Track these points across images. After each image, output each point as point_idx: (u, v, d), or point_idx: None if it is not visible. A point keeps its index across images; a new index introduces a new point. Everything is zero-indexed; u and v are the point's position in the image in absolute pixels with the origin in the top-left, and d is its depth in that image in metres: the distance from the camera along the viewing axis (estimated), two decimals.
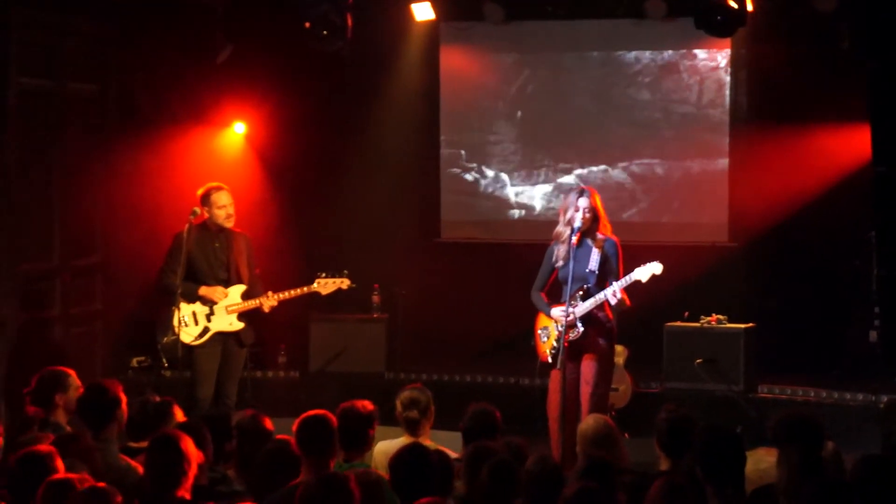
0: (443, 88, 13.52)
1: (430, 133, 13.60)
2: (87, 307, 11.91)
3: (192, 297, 9.56)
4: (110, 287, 12.00)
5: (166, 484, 5.69)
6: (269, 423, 7.09)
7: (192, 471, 5.77)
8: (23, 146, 10.94)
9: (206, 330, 9.55)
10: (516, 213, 13.46)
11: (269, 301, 9.64)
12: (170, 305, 9.46)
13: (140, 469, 6.40)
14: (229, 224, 9.66)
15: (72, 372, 7.64)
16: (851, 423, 10.51)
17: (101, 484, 5.35)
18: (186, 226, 9.49)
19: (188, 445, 5.79)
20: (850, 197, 11.82)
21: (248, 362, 10.34)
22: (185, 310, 9.52)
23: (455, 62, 13.51)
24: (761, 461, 6.43)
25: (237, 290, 9.67)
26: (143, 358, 12.10)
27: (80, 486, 5.35)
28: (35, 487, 5.53)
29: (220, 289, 9.61)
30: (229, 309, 9.62)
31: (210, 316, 9.59)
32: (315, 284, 9.74)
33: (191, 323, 9.54)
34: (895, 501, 5.32)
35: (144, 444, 6.75)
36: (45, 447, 5.96)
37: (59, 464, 5.80)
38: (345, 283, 9.80)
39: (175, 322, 9.38)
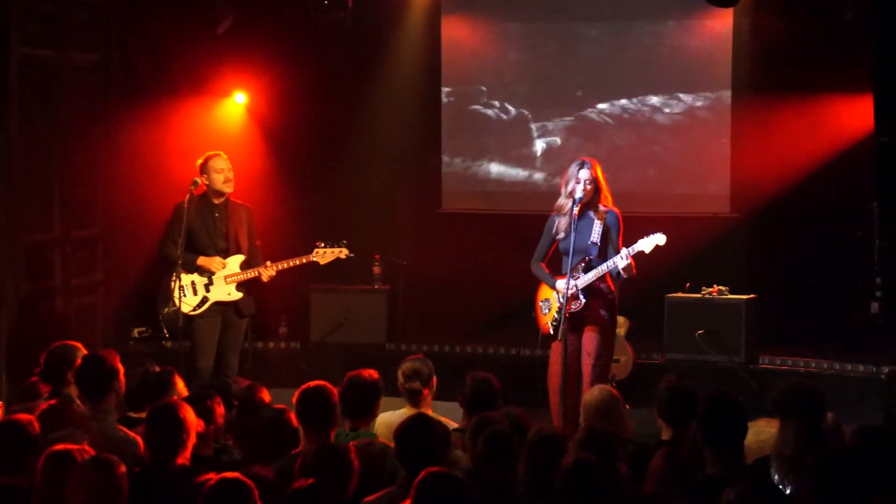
0: (444, 58, 13.48)
1: (431, 103, 13.56)
2: (87, 278, 11.89)
3: (191, 268, 9.55)
4: (111, 258, 11.98)
5: (165, 452, 5.71)
6: (265, 394, 7.11)
7: (192, 439, 5.78)
8: (24, 116, 10.91)
9: (204, 300, 9.55)
10: (517, 183, 13.43)
11: (267, 271, 9.63)
12: (169, 276, 9.47)
13: (139, 440, 6.42)
14: (228, 189, 9.66)
15: (79, 345, 7.65)
16: (852, 395, 10.52)
17: (105, 454, 5.36)
18: (187, 196, 9.49)
19: (188, 414, 5.81)
20: (853, 168, 11.79)
21: (250, 333, 10.34)
22: (184, 280, 9.52)
23: (456, 32, 13.47)
24: (762, 432, 6.45)
25: (236, 261, 9.66)
26: (143, 329, 12.12)
27: (80, 457, 5.35)
28: (13, 457, 5.55)
29: (217, 259, 9.60)
30: (228, 279, 9.61)
31: (209, 286, 9.59)
32: (313, 254, 9.73)
33: (189, 293, 9.53)
34: (894, 472, 5.32)
35: (145, 414, 6.77)
36: (25, 416, 5.96)
37: (37, 431, 5.79)
38: (343, 252, 9.79)
39: (175, 293, 9.38)
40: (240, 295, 9.67)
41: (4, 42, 10.67)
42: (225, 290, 9.62)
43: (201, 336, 9.56)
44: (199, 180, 9.56)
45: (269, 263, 9.65)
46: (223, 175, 9.63)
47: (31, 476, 5.53)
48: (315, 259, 9.75)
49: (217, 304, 9.60)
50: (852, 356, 11.15)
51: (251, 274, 9.64)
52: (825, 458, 5.09)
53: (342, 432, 6.63)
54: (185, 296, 9.49)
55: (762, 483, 5.60)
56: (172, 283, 9.43)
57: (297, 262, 9.72)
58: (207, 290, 9.58)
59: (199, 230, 9.60)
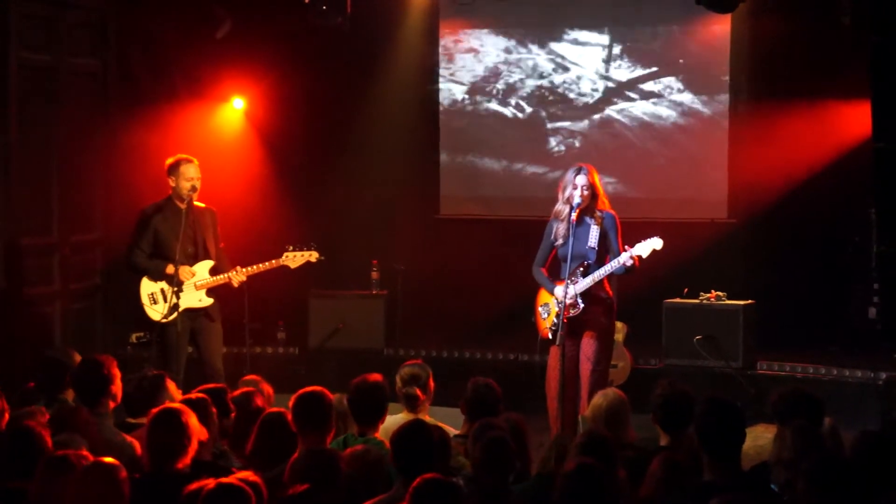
0: (442, 63, 13.50)
1: (429, 109, 13.57)
2: (86, 283, 11.92)
3: (160, 276, 9.52)
4: (110, 262, 11.98)
5: (167, 457, 5.70)
6: (266, 389, 7.14)
7: (193, 445, 5.77)
8: (23, 120, 10.93)
9: (175, 307, 9.42)
10: (514, 188, 13.43)
11: (237, 276, 9.56)
12: (138, 283, 9.54)
13: (136, 444, 6.41)
14: (194, 197, 9.56)
15: (71, 350, 7.66)
16: (850, 400, 10.52)
17: (107, 459, 5.35)
18: (185, 203, 9.46)
19: (190, 420, 5.79)
20: (850, 173, 11.80)
21: (249, 338, 10.34)
22: (154, 287, 9.50)
23: (454, 37, 13.48)
24: (760, 437, 6.44)
25: (205, 266, 9.60)
26: (141, 334, 12.08)
27: (77, 462, 5.35)
28: (25, 462, 5.55)
29: (187, 268, 9.52)
30: (198, 285, 9.57)
31: (178, 293, 9.46)
32: (283, 258, 9.67)
33: (160, 300, 9.47)
34: (893, 478, 5.33)
35: (143, 419, 6.77)
36: (36, 423, 5.97)
37: (48, 439, 5.80)
38: (313, 255, 9.73)
39: (163, 298, 9.40)
40: (210, 301, 9.59)
41: (3, 47, 10.71)
42: (196, 297, 9.55)
43: (172, 344, 9.44)
44: (197, 185, 9.52)
45: (238, 268, 9.59)
46: (191, 184, 9.52)
47: None
48: (285, 263, 9.69)
49: (187, 310, 9.53)
50: (850, 361, 11.15)
51: (221, 280, 9.56)
52: (821, 463, 5.09)
53: (350, 437, 6.64)
54: (154, 303, 9.46)
55: (758, 489, 5.60)
56: (140, 291, 9.49)
57: (267, 266, 9.65)
58: (178, 297, 9.47)
59: (167, 236, 9.53)
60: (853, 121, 11.77)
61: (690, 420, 6.36)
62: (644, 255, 8.60)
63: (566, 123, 13.24)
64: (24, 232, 11.06)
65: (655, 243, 8.59)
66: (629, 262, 8.56)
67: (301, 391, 6.36)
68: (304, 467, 5.44)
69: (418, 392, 7.28)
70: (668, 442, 6.48)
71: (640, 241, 8.61)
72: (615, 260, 8.62)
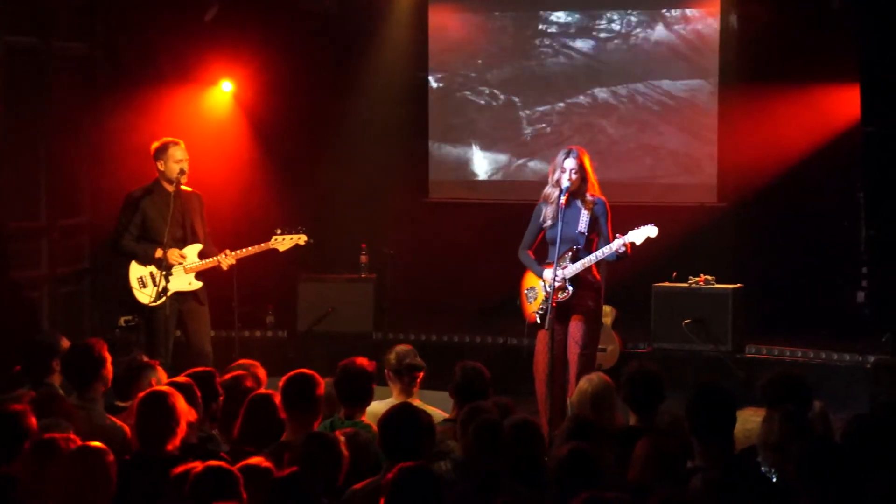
0: (431, 47, 13.47)
1: (418, 92, 13.56)
2: (74, 266, 11.89)
3: (149, 260, 9.50)
4: (97, 246, 11.96)
5: (156, 440, 5.70)
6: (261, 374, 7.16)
7: (182, 428, 5.76)
8: (9, 104, 10.89)
9: (164, 290, 9.38)
10: (504, 171, 13.43)
11: (227, 259, 9.55)
12: (127, 267, 9.52)
13: (126, 427, 6.40)
14: (183, 180, 9.55)
15: (58, 334, 7.65)
16: (839, 384, 10.53)
17: (94, 443, 5.34)
18: (173, 189, 9.43)
19: (179, 402, 5.79)
20: (839, 157, 11.82)
21: (238, 321, 10.33)
22: (143, 271, 9.48)
23: (443, 21, 13.46)
24: (748, 421, 6.45)
25: (193, 250, 9.58)
26: (130, 317, 12.04)
27: (65, 446, 5.34)
28: (8, 445, 5.54)
29: (176, 251, 9.50)
30: (187, 268, 9.55)
31: (168, 276, 9.43)
32: (272, 241, 9.66)
33: (149, 283, 9.46)
34: (883, 460, 5.34)
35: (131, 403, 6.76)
36: (18, 406, 5.95)
37: (33, 422, 5.79)
38: (302, 239, 9.73)
39: (152, 282, 9.38)
40: (199, 284, 9.58)
41: None
42: (185, 280, 9.53)
43: (160, 327, 9.41)
44: (185, 167, 9.49)
45: (228, 252, 9.57)
46: (180, 166, 9.51)
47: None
48: (274, 246, 9.68)
49: (176, 293, 9.51)
50: (838, 345, 11.17)
51: (211, 263, 9.55)
52: (812, 446, 5.11)
53: (337, 420, 6.64)
54: (144, 287, 9.44)
55: (747, 473, 5.61)
56: (128, 274, 9.47)
57: (256, 250, 9.64)
58: (167, 281, 9.43)
59: (156, 219, 9.51)
60: (842, 105, 11.78)
61: (659, 399, 6.42)
62: (637, 243, 8.56)
63: (556, 107, 13.24)
64: (11, 216, 11.03)
65: (650, 231, 8.54)
66: (622, 250, 8.52)
67: (289, 374, 6.37)
68: (306, 451, 5.43)
69: (420, 363, 7.33)
70: (636, 421, 6.50)
71: (632, 227, 8.57)
72: (607, 246, 8.58)
